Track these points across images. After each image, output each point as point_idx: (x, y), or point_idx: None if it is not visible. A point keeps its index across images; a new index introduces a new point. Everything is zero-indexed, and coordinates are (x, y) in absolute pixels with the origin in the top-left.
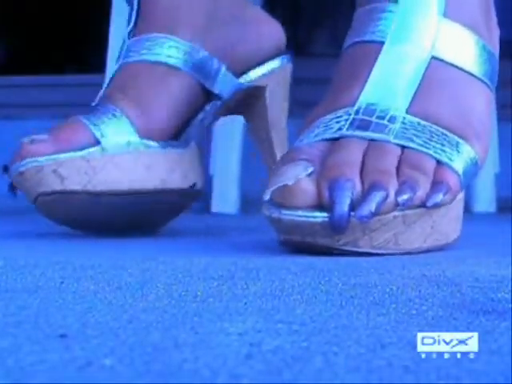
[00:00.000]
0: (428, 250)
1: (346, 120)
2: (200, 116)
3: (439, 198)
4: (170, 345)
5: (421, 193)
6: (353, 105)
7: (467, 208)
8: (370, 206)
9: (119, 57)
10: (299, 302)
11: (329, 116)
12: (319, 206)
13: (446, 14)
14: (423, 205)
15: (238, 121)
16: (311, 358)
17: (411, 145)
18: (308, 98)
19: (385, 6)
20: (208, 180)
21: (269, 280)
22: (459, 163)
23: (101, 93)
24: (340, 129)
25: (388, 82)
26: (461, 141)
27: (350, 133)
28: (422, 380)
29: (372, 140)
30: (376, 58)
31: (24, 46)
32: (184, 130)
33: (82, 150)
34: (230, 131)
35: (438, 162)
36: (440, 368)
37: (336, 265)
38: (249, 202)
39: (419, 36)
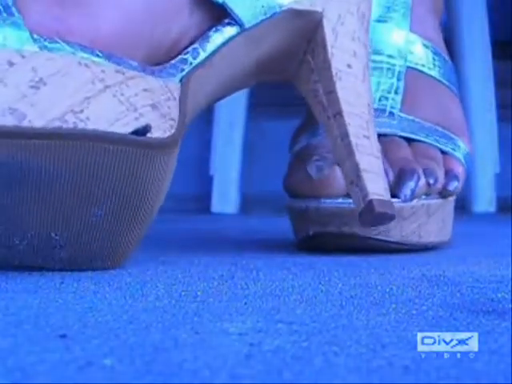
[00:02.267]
0: (434, 247)
1: None
2: (195, 44)
3: (455, 184)
4: (170, 345)
5: (442, 178)
6: None
7: (467, 208)
8: (410, 185)
9: None
10: (299, 302)
11: None
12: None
13: (412, 30)
14: (444, 190)
15: (239, 120)
16: (311, 358)
17: (417, 137)
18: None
19: None
20: (208, 180)
21: (269, 280)
22: (460, 154)
23: None
24: None
25: (377, 88)
26: (453, 136)
27: None
28: (422, 380)
29: (379, 135)
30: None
31: None
32: (164, 60)
33: None
34: (230, 131)
35: (442, 153)
36: (440, 368)
37: (336, 265)
38: (249, 202)
39: (393, 49)
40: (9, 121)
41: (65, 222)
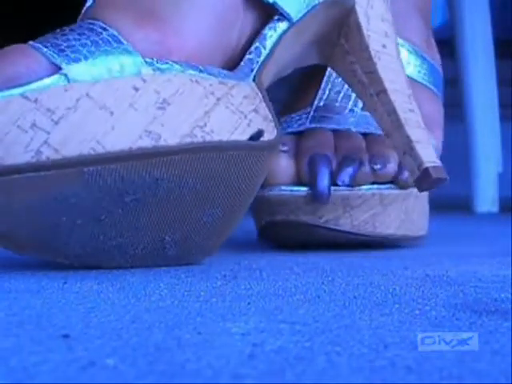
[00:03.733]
0: (400, 239)
1: (306, 117)
2: (256, 43)
3: (407, 174)
4: (173, 345)
5: (392, 164)
6: (310, 106)
7: (470, 208)
8: (347, 170)
9: None
10: (302, 302)
11: (288, 116)
12: (300, 183)
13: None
14: (397, 178)
15: None
16: (314, 358)
17: (370, 130)
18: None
19: None
20: None
21: (272, 280)
22: None
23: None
24: (302, 124)
25: (342, 86)
26: None
27: (313, 125)
28: (424, 380)
29: (335, 131)
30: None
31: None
32: (231, 65)
33: (23, 86)
34: None
35: None
36: (442, 368)
37: (339, 265)
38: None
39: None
40: (146, 142)
41: (180, 224)
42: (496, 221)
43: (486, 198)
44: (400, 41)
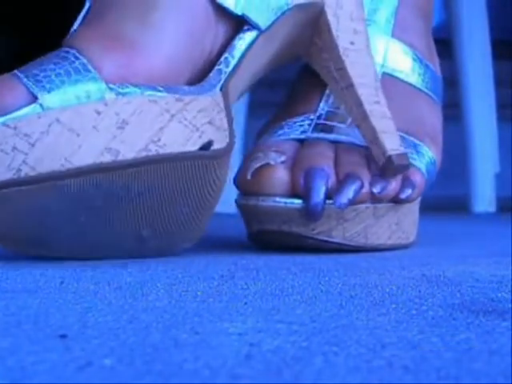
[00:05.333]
0: (390, 248)
1: (309, 124)
2: (225, 54)
3: (409, 192)
4: (170, 345)
5: (394, 185)
6: (313, 112)
7: (467, 208)
8: (348, 193)
9: None
10: (299, 302)
11: (290, 120)
12: (294, 195)
13: (393, 35)
14: (396, 197)
15: (239, 120)
16: (311, 358)
17: None
18: (265, 99)
19: None
20: None
21: (269, 280)
22: (421, 163)
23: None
24: (304, 131)
25: None
26: (418, 142)
27: (315, 135)
28: (422, 380)
29: (337, 142)
30: None
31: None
32: (202, 76)
33: (5, 115)
34: None
35: None
36: (440, 368)
37: (336, 265)
38: None
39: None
40: (107, 158)
41: (154, 220)
42: (493, 221)
43: (484, 198)
44: (405, 48)
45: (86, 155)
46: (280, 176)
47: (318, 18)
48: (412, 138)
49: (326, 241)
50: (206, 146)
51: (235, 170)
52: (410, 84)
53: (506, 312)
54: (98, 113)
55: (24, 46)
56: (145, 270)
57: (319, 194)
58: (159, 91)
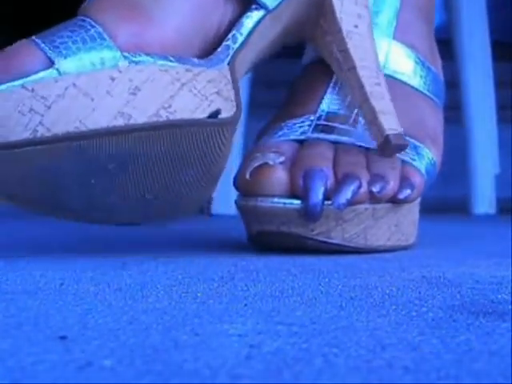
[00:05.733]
0: (390, 250)
1: (309, 125)
2: (234, 31)
3: (408, 192)
4: (170, 346)
5: (392, 185)
6: (313, 113)
7: (467, 209)
8: (346, 193)
9: None
10: (299, 304)
11: (290, 121)
12: (293, 195)
13: (395, 37)
14: (394, 197)
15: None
16: (311, 360)
17: (371, 146)
18: (265, 99)
19: None
20: None
21: (269, 281)
22: (421, 163)
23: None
24: (304, 132)
25: (345, 95)
26: (418, 144)
27: (315, 135)
28: (422, 380)
29: (337, 143)
30: (333, 73)
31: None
32: (211, 51)
33: (23, 78)
34: None
35: (402, 162)
36: (440, 368)
37: (336, 266)
38: None
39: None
40: (120, 121)
41: (160, 183)
42: (493, 222)
43: (484, 199)
44: (407, 50)
45: (100, 118)
46: (279, 176)
47: (323, 0)
48: (413, 140)
49: (325, 242)
50: (214, 114)
51: (235, 170)
52: (412, 86)
53: (506, 313)
54: (112, 79)
55: None
56: (145, 271)
57: (318, 194)
58: (171, 61)
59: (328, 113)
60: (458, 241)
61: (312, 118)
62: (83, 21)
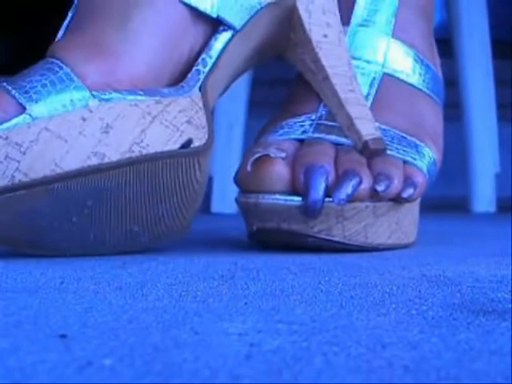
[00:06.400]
0: (390, 248)
1: (311, 124)
2: (203, 55)
3: (411, 191)
4: (170, 345)
5: (396, 184)
6: (314, 112)
7: (467, 208)
8: (347, 189)
9: None
10: (299, 302)
11: (290, 120)
12: (294, 192)
13: (394, 35)
14: (397, 197)
15: (238, 120)
16: (311, 358)
17: None
18: (266, 99)
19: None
20: (208, 180)
21: (269, 280)
22: (422, 163)
23: None
24: (305, 131)
25: None
26: (419, 143)
27: (316, 135)
28: (422, 380)
29: (338, 144)
30: None
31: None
32: (183, 76)
33: None
34: (230, 131)
35: (404, 162)
36: (440, 368)
37: (336, 265)
38: None
39: (372, 54)
40: (94, 161)
41: (141, 217)
42: (493, 221)
43: (484, 198)
44: (406, 48)
45: (74, 159)
46: (280, 171)
47: (291, 14)
48: (413, 139)
49: (325, 239)
50: (186, 144)
51: (235, 169)
52: (411, 84)
53: (506, 312)
54: (84, 119)
55: (24, 47)
56: (145, 270)
57: (318, 191)
58: (140, 95)
59: (329, 112)
60: (458, 239)
61: (313, 117)
62: (52, 63)
